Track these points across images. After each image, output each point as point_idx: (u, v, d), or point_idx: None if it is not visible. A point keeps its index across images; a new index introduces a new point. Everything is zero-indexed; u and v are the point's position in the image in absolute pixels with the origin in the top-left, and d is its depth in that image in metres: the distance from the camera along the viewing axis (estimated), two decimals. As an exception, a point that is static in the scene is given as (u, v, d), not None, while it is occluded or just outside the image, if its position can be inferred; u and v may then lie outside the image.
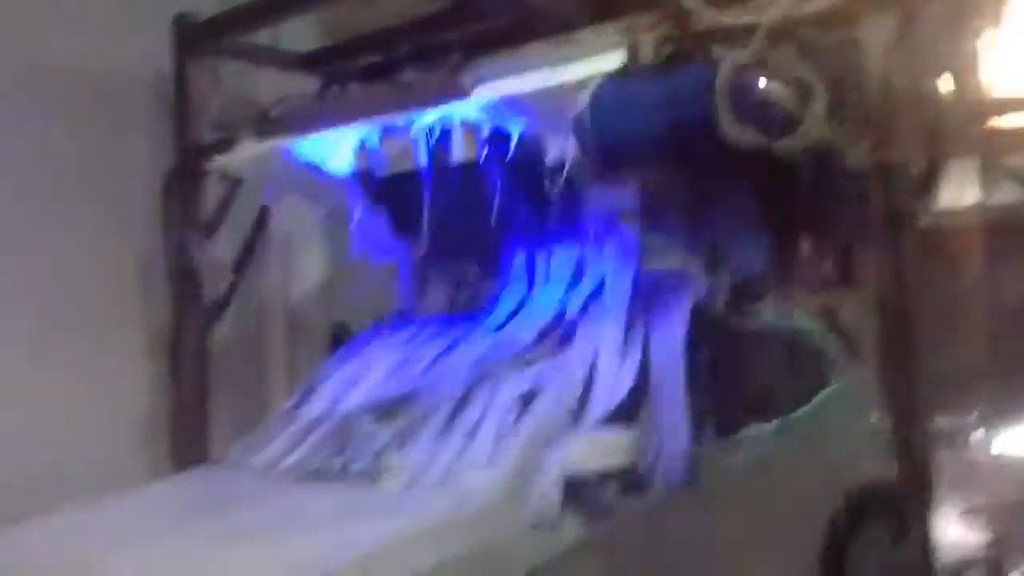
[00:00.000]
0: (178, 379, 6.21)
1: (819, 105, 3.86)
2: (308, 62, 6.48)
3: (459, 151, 4.81)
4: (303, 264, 6.61)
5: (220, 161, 5.84)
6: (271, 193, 5.96)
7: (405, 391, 4.60)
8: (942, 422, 4.07)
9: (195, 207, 6.20)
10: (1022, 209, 4.79)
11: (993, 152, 3.87)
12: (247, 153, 5.70)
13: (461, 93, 4.73)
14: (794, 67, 3.90)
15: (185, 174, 6.18)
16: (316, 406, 4.83)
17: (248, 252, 6.25)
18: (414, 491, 4.02)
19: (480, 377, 4.48)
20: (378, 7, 5.57)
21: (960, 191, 4.18)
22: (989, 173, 4.22)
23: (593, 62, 4.37)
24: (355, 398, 4.73)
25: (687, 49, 4.14)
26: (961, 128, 3.68)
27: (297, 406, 4.94)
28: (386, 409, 4.54)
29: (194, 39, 6.23)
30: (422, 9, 5.78)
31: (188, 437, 6.04)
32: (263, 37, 6.34)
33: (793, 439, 4.76)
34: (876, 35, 3.76)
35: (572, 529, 3.85)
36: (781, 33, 3.85)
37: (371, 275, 5.80)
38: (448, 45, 5.36)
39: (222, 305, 6.27)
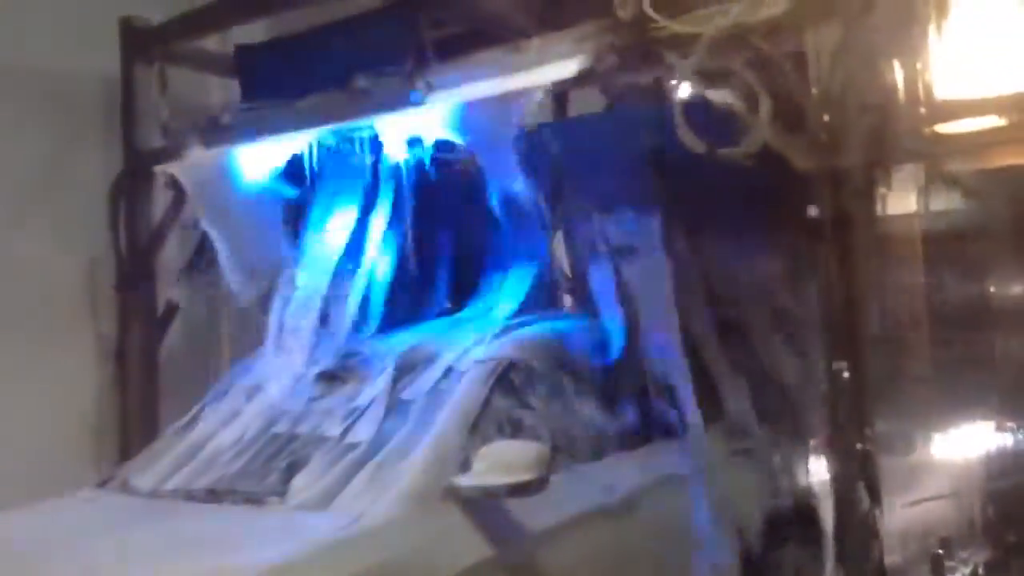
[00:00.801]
0: (125, 384, 6.15)
1: (765, 112, 3.92)
2: (259, 69, 6.44)
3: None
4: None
5: (166, 168, 5.74)
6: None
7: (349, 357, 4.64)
8: (885, 426, 4.15)
9: (143, 212, 6.16)
10: (964, 215, 4.92)
11: (938, 157, 3.97)
12: (193, 160, 5.66)
13: (414, 100, 4.76)
14: (741, 74, 3.97)
15: (133, 179, 6.14)
16: (207, 426, 4.68)
17: (197, 257, 6.20)
18: (305, 512, 3.80)
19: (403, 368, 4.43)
20: (329, 14, 5.55)
21: (905, 197, 4.28)
22: (934, 179, 4.33)
23: (546, 70, 4.41)
24: (248, 417, 4.59)
25: (640, 57, 4.21)
26: (906, 133, 3.77)
27: (187, 426, 4.78)
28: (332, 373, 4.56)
29: (142, 44, 6.18)
30: (374, 17, 5.76)
31: (136, 443, 5.94)
32: (214, 43, 6.32)
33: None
34: (821, 42, 3.84)
35: (473, 548, 3.65)
36: (731, 41, 3.92)
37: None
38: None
39: (171, 311, 6.22)
